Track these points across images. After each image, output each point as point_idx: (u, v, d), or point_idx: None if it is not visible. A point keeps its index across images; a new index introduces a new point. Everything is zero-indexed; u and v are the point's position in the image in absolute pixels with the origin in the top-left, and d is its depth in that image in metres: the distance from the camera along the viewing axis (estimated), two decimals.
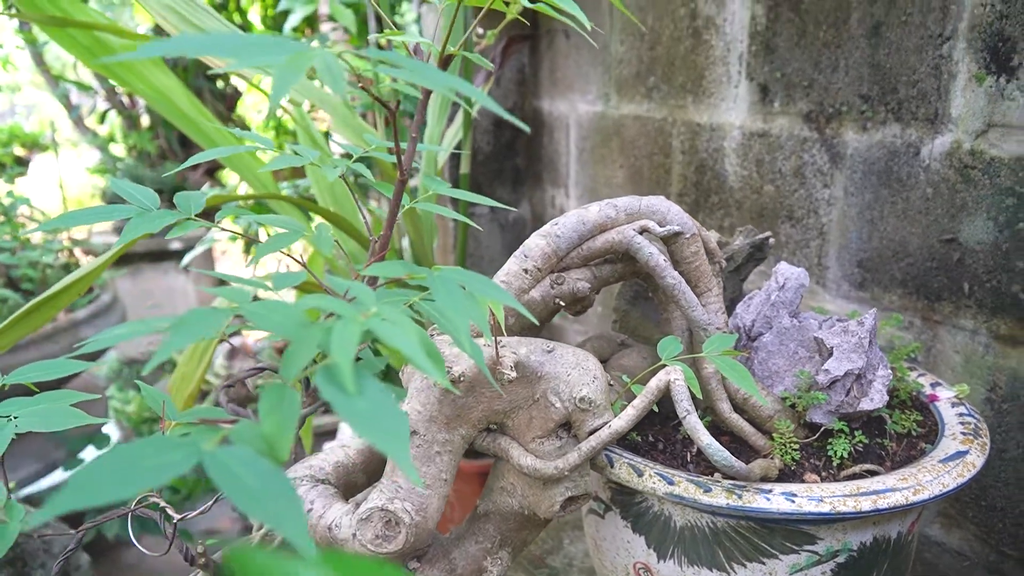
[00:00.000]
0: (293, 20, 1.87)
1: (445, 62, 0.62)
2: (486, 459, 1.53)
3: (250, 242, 3.76)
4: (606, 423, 0.69)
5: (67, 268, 2.16)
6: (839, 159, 1.11)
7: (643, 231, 0.77)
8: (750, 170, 1.25)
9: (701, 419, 0.78)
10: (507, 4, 0.63)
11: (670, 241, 0.78)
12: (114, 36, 1.34)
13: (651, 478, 0.71)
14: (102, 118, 4.10)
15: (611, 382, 0.75)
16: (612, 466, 0.73)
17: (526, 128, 0.57)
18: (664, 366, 0.70)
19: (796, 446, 0.72)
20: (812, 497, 0.67)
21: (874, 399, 0.72)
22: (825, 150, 1.13)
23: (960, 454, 0.73)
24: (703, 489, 0.69)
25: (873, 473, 0.72)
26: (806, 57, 1.13)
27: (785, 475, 0.73)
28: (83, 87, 4.18)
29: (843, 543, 0.71)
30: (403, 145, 0.63)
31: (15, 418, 0.77)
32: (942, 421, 0.80)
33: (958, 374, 1.00)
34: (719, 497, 0.68)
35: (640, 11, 1.42)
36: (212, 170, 4.24)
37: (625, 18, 1.46)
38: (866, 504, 0.66)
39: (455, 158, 1.67)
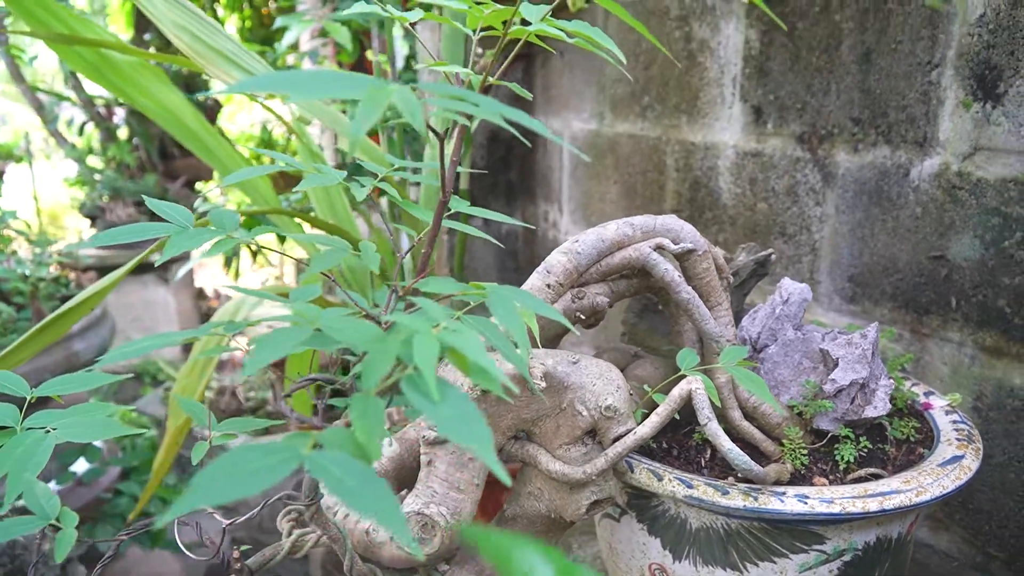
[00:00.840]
0: (290, 37, 1.90)
1: (485, 90, 0.65)
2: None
3: (228, 259, 3.76)
4: (629, 430, 0.73)
5: (57, 281, 2.17)
6: (831, 179, 1.16)
7: (658, 248, 0.81)
8: (743, 188, 1.30)
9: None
10: (519, 26, 0.67)
11: (683, 258, 0.83)
12: (118, 53, 1.37)
13: (670, 482, 0.75)
14: (81, 130, 4.08)
15: (631, 392, 0.79)
16: (632, 471, 0.77)
17: (553, 138, 0.61)
18: (683, 376, 0.75)
19: (805, 451, 0.77)
20: (823, 499, 0.71)
21: (877, 407, 0.76)
22: (817, 170, 1.18)
23: (957, 458, 0.78)
24: (721, 492, 0.73)
25: (877, 476, 0.76)
26: (799, 81, 1.19)
27: (795, 479, 0.77)
28: (61, 98, 4.16)
29: (849, 543, 0.76)
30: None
31: (53, 430, 0.79)
32: (937, 428, 0.85)
33: (946, 384, 1.06)
34: (736, 499, 0.72)
35: (635, 33, 1.47)
36: (191, 182, 4.23)
37: (621, 39, 1.51)
38: (873, 505, 0.71)
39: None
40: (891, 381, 0.78)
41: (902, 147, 1.07)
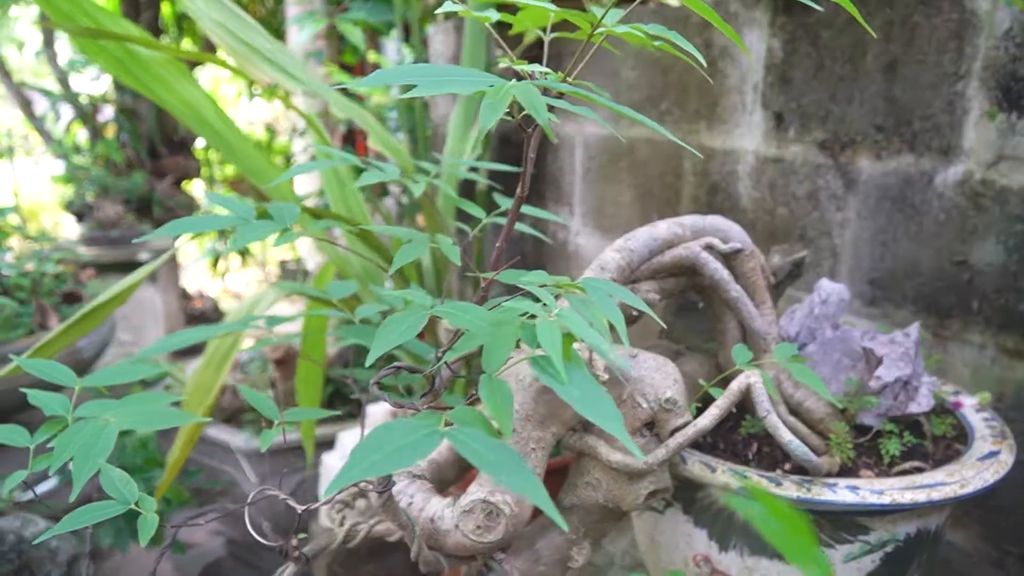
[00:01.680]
0: (303, 36, 1.91)
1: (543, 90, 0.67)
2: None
3: (216, 259, 3.74)
4: (687, 422, 0.75)
5: (58, 277, 2.15)
6: (853, 185, 1.20)
7: (708, 247, 0.84)
8: (763, 193, 1.33)
9: (756, 423, 0.85)
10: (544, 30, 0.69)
11: (731, 257, 0.85)
12: (144, 48, 1.37)
13: (724, 473, 0.77)
14: (69, 126, 4.05)
15: None
16: (685, 463, 0.79)
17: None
18: (733, 373, 0.77)
19: (851, 445, 0.79)
20: (873, 490, 0.74)
21: (921, 403, 0.79)
22: (839, 176, 1.22)
23: (993, 454, 0.81)
24: (774, 483, 0.75)
25: (919, 470, 0.79)
26: (822, 89, 1.22)
27: (842, 472, 0.80)
28: (48, 94, 4.13)
29: (892, 534, 0.78)
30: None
31: (111, 420, 0.80)
32: (970, 425, 0.88)
33: (966, 385, 1.09)
34: (790, 490, 0.74)
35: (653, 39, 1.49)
36: (179, 180, 4.21)
37: (639, 47, 1.53)
38: (921, 496, 0.74)
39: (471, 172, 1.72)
40: (934, 378, 0.81)
41: (926, 155, 1.11)
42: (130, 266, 3.77)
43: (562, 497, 0.80)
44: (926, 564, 0.84)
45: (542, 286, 0.62)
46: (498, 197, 0.94)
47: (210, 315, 4.41)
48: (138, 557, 2.54)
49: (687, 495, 0.84)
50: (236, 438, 2.11)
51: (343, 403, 2.22)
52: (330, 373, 2.27)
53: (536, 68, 0.72)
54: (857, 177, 1.19)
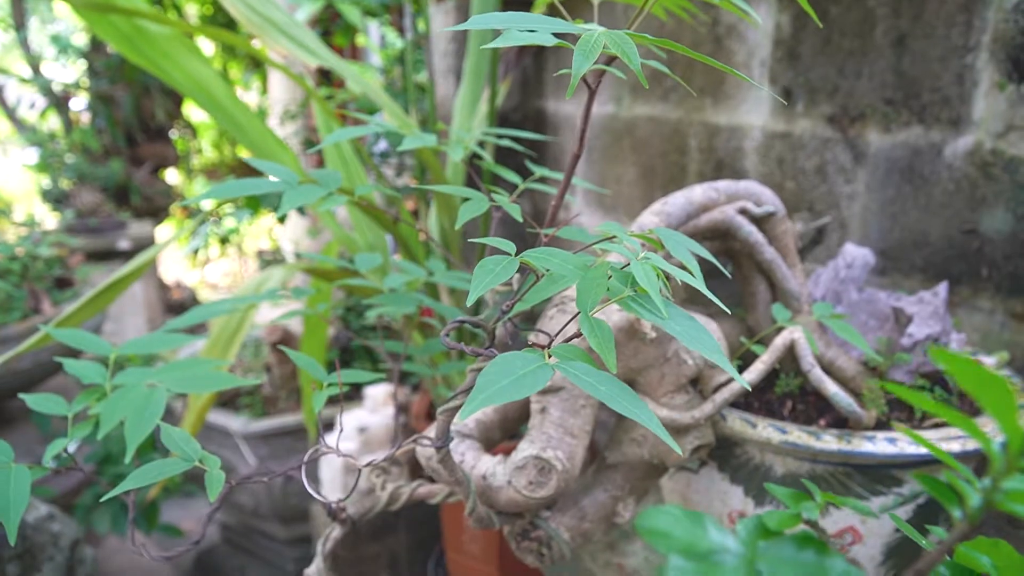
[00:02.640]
0: (300, 16, 1.90)
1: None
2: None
3: (196, 249, 3.70)
4: (730, 379, 0.77)
5: (47, 262, 2.13)
6: (862, 158, 1.23)
7: (742, 211, 0.85)
8: (771, 167, 1.36)
9: (791, 382, 0.87)
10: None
11: (763, 221, 0.87)
12: (154, 23, 1.36)
13: (765, 429, 0.79)
14: (43, 115, 3.97)
15: None
16: (725, 420, 0.81)
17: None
18: (774, 332, 0.79)
19: (884, 400, 0.82)
20: (910, 441, 0.76)
21: None
22: (848, 149, 1.24)
23: (1020, 406, 0.84)
24: (815, 437, 0.77)
25: (946, 424, 0.82)
26: (830, 64, 1.25)
27: (876, 426, 0.82)
28: (22, 80, 4.05)
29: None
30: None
31: (158, 384, 0.80)
32: None
33: (976, 349, 1.12)
34: (830, 443, 0.77)
35: (656, 18, 1.51)
36: (158, 168, 4.16)
37: (641, 24, 1.55)
38: (955, 446, 0.76)
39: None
40: (962, 335, 0.84)
41: (935, 126, 1.14)
42: (109, 255, 3.72)
43: (607, 454, 0.81)
44: (950, 517, 0.86)
45: (610, 238, 0.63)
46: (504, 170, 0.95)
47: (189, 305, 4.37)
48: (122, 549, 2.52)
49: (723, 453, 0.86)
50: (234, 422, 2.10)
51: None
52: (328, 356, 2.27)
53: (594, 27, 0.73)
54: (866, 150, 1.22)
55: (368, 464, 0.71)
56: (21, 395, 0.83)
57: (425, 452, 0.79)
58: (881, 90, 1.19)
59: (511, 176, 0.88)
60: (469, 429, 0.80)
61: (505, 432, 0.83)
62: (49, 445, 0.80)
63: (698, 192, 0.86)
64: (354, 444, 1.92)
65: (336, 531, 0.82)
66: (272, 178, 0.79)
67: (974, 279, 1.12)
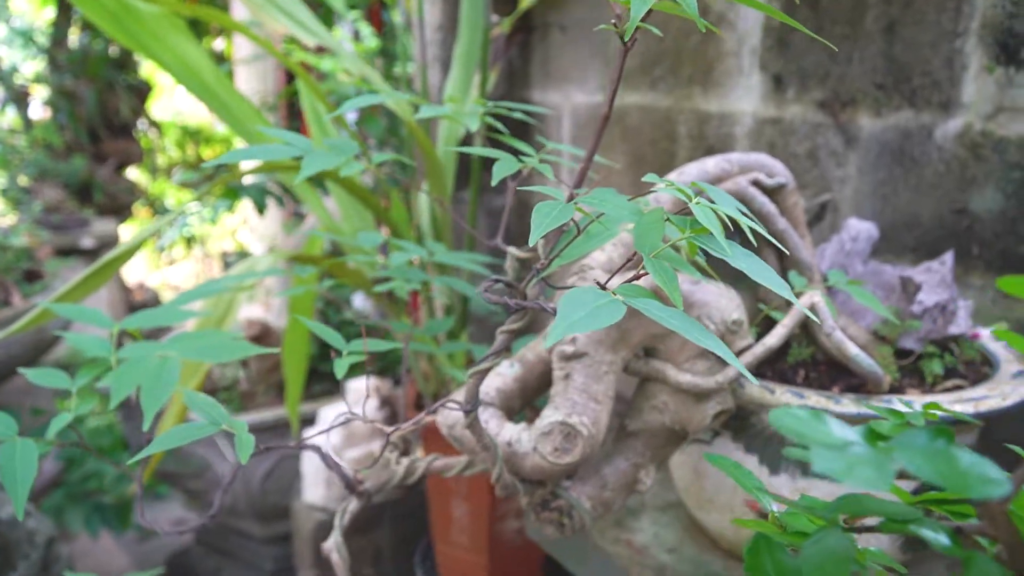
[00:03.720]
0: None
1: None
2: None
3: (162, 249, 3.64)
4: (750, 345, 0.78)
5: (16, 255, 2.08)
6: (853, 142, 1.25)
7: (755, 183, 0.87)
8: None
9: (803, 351, 0.89)
10: None
11: (774, 193, 0.89)
12: (142, 3, 1.34)
13: (783, 394, 0.80)
14: (3, 109, 3.88)
15: None
16: (743, 387, 0.82)
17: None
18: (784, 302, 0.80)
19: (895, 367, 0.83)
20: (926, 403, 0.78)
21: (960, 324, 0.84)
22: (839, 133, 1.27)
23: (1022, 372, 0.86)
24: (833, 401, 0.79)
25: (959, 388, 0.84)
26: (822, 51, 1.27)
27: (889, 392, 0.84)
28: None
29: None
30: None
31: (171, 354, 0.79)
32: (991, 351, 0.93)
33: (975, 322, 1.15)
34: (848, 406, 0.78)
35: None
36: (122, 165, 4.08)
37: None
38: (969, 408, 0.78)
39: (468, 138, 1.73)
40: (969, 302, 0.86)
41: (926, 110, 1.16)
42: (71, 252, 3.64)
43: (627, 422, 0.82)
44: None
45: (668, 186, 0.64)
46: (514, 141, 0.95)
47: (151, 306, 4.29)
48: (93, 550, 2.47)
49: (737, 422, 0.87)
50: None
51: (319, 380, 2.19)
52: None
53: None
54: (857, 134, 1.25)
55: (394, 430, 0.70)
56: (21, 370, 0.81)
57: (447, 420, 0.79)
58: (872, 75, 1.22)
59: (525, 147, 0.89)
60: (491, 398, 0.79)
61: (525, 402, 0.83)
62: (53, 420, 0.78)
63: (711, 164, 0.87)
64: (337, 438, 1.90)
65: (353, 504, 0.81)
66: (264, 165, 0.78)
67: (965, 257, 1.14)
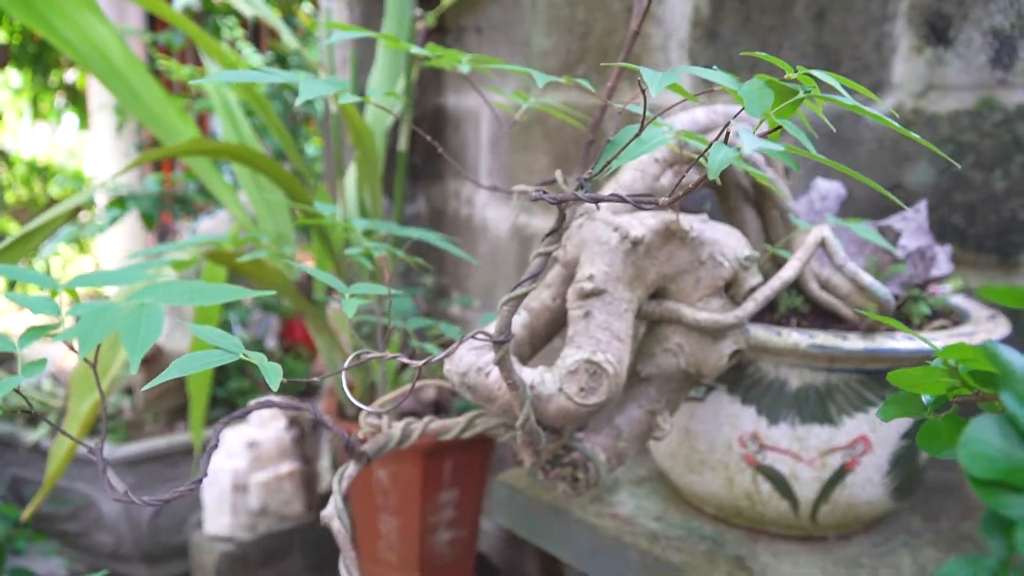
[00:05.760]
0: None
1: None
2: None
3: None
4: (760, 283, 0.77)
5: None
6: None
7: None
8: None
9: (794, 299, 0.89)
10: None
11: None
12: None
13: (790, 335, 0.79)
14: None
15: None
16: (747, 332, 0.81)
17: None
18: (784, 249, 0.80)
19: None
20: (927, 337, 0.79)
21: (942, 267, 0.86)
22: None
23: (994, 316, 0.89)
24: (841, 338, 0.78)
25: (946, 328, 0.86)
26: (751, 41, 1.32)
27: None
28: None
29: None
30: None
31: (147, 300, 0.70)
32: (954, 302, 0.97)
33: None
34: (856, 343, 0.78)
35: (570, 5, 1.54)
36: None
37: (551, 13, 1.58)
38: (965, 341, 0.80)
39: (393, 133, 1.67)
40: (948, 247, 0.88)
41: (856, 93, 1.22)
42: None
43: (640, 368, 0.78)
44: None
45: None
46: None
47: None
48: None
49: (734, 374, 0.85)
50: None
51: (216, 405, 2.04)
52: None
53: None
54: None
55: (388, 399, 0.64)
56: None
57: (459, 368, 0.73)
58: (802, 61, 1.27)
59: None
60: None
61: (534, 349, 0.79)
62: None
63: (701, 113, 0.87)
64: (244, 461, 1.77)
65: (351, 468, 0.73)
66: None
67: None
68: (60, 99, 5.15)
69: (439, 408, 1.61)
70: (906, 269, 0.86)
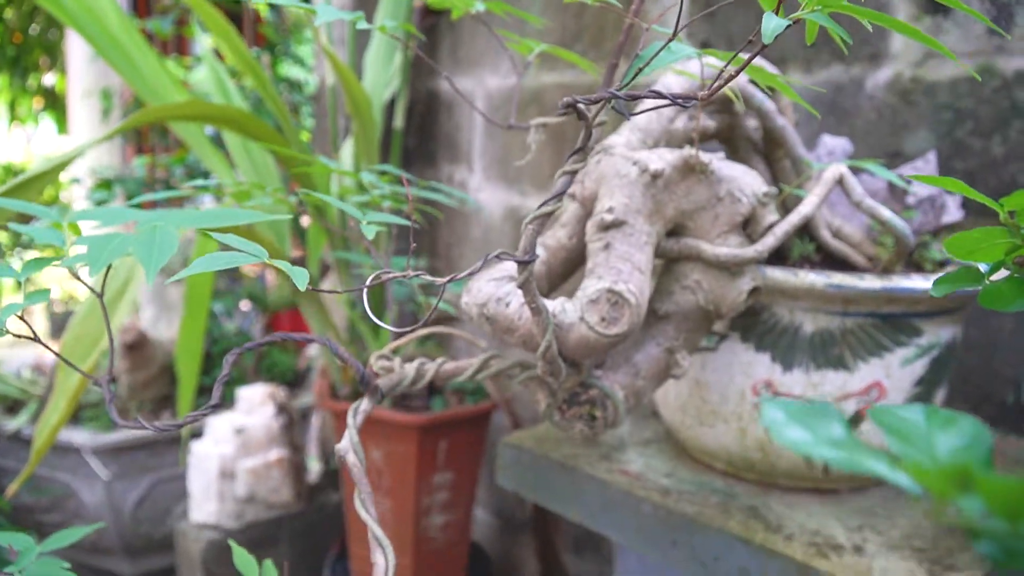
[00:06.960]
0: None
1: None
2: (425, 414, 1.50)
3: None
4: (777, 220, 0.76)
5: None
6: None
7: (751, 82, 0.87)
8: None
9: (806, 246, 0.89)
10: None
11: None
12: None
13: (807, 276, 0.79)
14: None
15: None
16: (764, 276, 0.80)
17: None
18: (792, 195, 0.80)
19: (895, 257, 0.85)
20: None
21: (952, 214, 0.87)
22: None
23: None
24: (859, 278, 0.78)
25: None
26: (748, 15, 1.32)
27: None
28: None
29: (938, 337, 0.84)
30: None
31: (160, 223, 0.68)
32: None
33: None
34: (873, 283, 0.78)
35: None
36: None
37: None
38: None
39: (389, 111, 1.66)
40: (957, 196, 0.89)
41: (856, 64, 1.23)
42: None
43: (657, 306, 0.78)
44: (951, 374, 0.91)
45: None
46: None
47: None
48: None
49: (747, 321, 0.85)
50: (78, 436, 1.83)
51: (202, 393, 2.00)
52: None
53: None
54: None
55: (403, 340, 0.62)
56: None
57: (478, 299, 0.72)
58: (800, 34, 1.27)
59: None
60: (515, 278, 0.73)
61: (551, 286, 0.78)
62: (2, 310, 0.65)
63: (712, 61, 0.86)
64: (231, 447, 1.74)
65: (365, 403, 0.72)
66: None
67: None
68: (37, 105, 5.11)
69: (433, 391, 1.60)
70: (917, 215, 0.87)
